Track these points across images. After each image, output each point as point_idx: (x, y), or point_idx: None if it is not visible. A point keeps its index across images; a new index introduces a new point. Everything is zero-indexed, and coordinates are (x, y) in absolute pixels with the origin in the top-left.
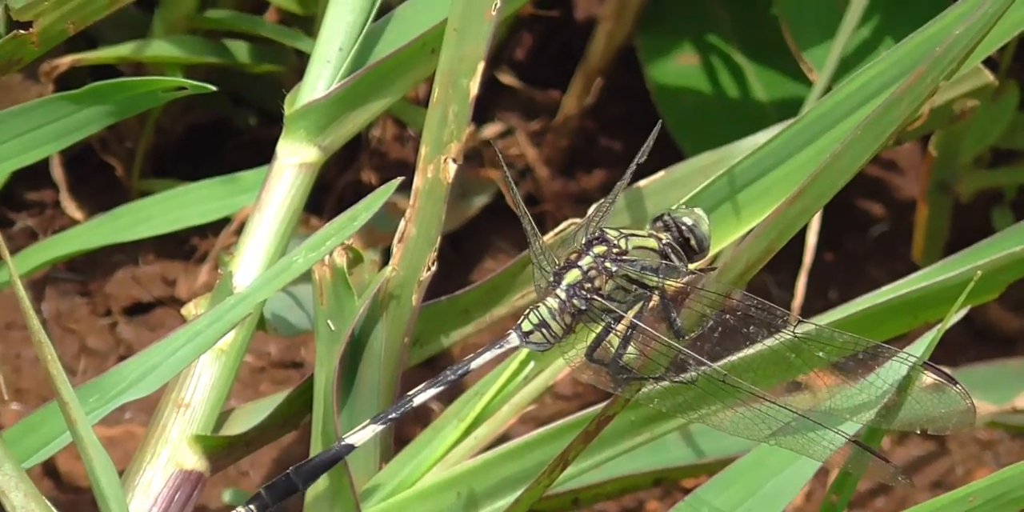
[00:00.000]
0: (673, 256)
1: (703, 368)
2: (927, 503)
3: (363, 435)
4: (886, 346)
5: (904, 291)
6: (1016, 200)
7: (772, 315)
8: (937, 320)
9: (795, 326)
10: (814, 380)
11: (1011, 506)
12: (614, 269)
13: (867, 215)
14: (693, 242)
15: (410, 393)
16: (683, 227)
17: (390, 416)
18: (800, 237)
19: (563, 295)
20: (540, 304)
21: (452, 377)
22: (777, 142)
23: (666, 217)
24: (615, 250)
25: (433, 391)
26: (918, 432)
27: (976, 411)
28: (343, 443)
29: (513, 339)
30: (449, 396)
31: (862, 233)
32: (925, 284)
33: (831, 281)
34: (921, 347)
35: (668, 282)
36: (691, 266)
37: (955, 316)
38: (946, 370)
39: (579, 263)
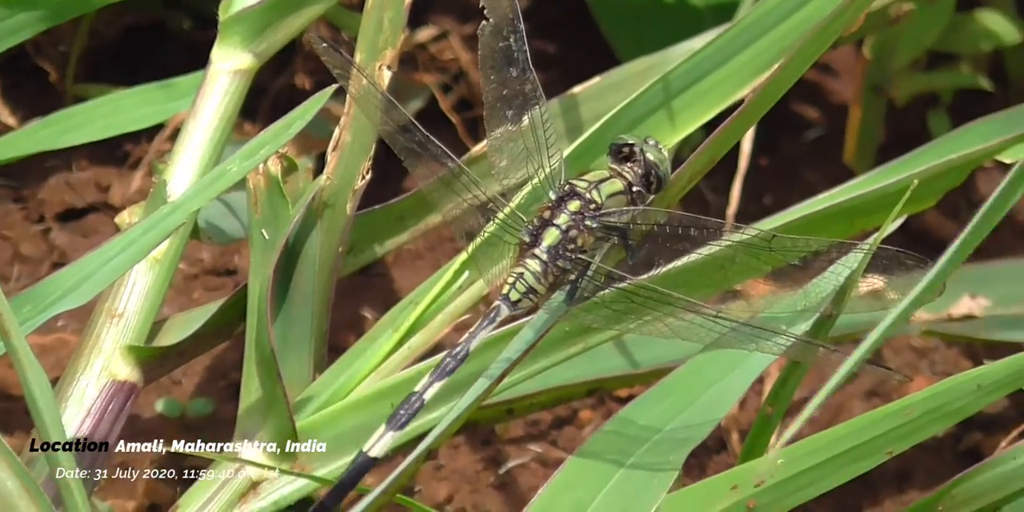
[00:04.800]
0: (641, 191)
1: (643, 280)
2: (863, 416)
3: (382, 444)
4: (825, 247)
5: (841, 199)
6: (952, 103)
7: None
8: (874, 227)
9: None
10: (754, 288)
11: (946, 419)
12: (594, 226)
13: (801, 118)
14: (654, 179)
15: (416, 389)
16: (650, 164)
17: (403, 421)
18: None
19: (545, 257)
20: (523, 270)
21: (453, 364)
22: (712, 48)
23: (625, 148)
24: (592, 205)
25: (439, 384)
26: None
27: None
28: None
29: (503, 310)
30: (383, 305)
31: (796, 137)
32: (862, 192)
33: (766, 185)
34: (857, 258)
35: (640, 226)
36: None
37: (892, 225)
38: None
39: (555, 222)
